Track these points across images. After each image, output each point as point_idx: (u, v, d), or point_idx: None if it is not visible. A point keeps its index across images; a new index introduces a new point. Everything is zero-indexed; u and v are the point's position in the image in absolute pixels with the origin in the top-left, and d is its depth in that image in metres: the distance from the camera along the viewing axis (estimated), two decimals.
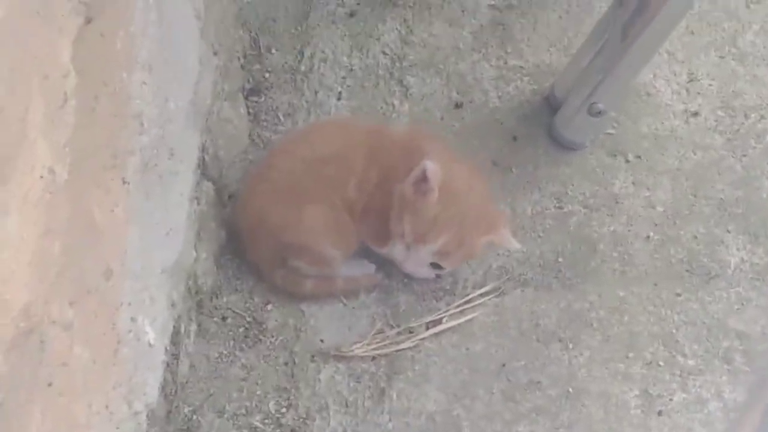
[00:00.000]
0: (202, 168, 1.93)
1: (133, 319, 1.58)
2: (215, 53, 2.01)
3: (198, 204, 1.90)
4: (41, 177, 1.14)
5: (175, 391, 1.81)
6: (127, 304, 1.55)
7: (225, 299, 1.98)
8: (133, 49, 1.53)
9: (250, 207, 1.95)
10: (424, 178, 1.80)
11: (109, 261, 1.45)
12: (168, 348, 1.77)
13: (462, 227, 1.86)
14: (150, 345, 1.66)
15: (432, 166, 1.79)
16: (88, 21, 1.31)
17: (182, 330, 1.84)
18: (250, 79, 2.23)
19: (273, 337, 1.94)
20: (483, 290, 2.00)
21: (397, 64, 2.26)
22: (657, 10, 1.97)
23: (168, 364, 1.77)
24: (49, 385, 1.27)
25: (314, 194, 1.89)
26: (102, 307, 1.45)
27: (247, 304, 1.97)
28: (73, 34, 1.27)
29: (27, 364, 1.20)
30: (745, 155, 2.17)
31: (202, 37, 1.92)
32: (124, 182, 1.53)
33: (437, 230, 1.85)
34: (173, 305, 1.79)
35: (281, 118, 2.19)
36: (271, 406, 1.88)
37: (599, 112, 2.06)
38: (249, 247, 1.98)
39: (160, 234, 1.73)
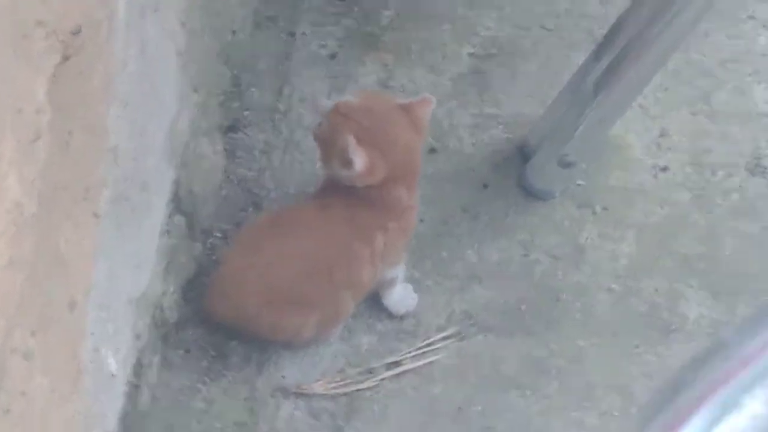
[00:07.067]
0: (176, 202, 1.96)
1: (96, 350, 1.61)
2: (195, 90, 2.04)
3: (169, 237, 1.93)
4: (8, 211, 1.17)
5: (135, 422, 1.83)
6: (90, 334, 1.58)
7: (190, 332, 2.00)
8: (111, 85, 1.56)
9: (235, 307, 1.95)
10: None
11: (74, 293, 1.48)
12: (130, 379, 1.79)
13: None
14: (112, 375, 1.69)
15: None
16: (66, 58, 1.33)
17: (145, 362, 1.86)
18: (229, 117, 2.26)
19: (235, 371, 1.97)
20: (444, 334, 2.02)
21: None
22: (631, 65, 2.02)
23: (129, 395, 1.79)
24: (7, 411, 1.30)
25: (315, 299, 1.93)
26: (65, 337, 1.47)
27: (212, 338, 2.00)
28: (49, 72, 1.29)
29: None
30: (710, 212, 2.20)
31: (182, 74, 1.95)
32: (95, 215, 1.56)
33: None
34: (138, 337, 1.82)
35: (257, 155, 2.22)
36: None
37: (569, 164, 2.10)
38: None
39: (129, 266, 1.76)
